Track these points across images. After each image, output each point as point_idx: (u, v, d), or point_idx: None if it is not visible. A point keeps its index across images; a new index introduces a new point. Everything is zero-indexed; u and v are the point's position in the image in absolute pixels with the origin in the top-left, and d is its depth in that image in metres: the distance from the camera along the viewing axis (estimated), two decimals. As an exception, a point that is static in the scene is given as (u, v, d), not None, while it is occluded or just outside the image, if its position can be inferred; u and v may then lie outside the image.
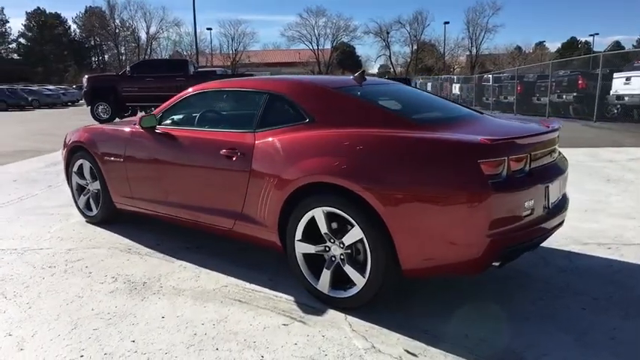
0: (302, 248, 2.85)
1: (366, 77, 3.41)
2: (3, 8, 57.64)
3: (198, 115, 3.60)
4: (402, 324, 2.57)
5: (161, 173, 3.61)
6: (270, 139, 2.98)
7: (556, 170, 2.83)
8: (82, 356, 2.30)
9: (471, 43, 60.96)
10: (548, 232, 2.80)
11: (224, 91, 3.56)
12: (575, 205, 4.85)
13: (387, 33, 62.95)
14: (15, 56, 60.02)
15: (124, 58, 61.85)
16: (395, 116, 2.81)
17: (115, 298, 2.91)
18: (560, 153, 3.18)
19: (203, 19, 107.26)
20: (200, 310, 2.76)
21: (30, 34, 59.59)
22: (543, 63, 24.10)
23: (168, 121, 3.67)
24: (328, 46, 62.50)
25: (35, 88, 33.92)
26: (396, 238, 2.47)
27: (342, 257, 2.70)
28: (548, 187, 2.65)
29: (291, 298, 2.89)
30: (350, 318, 2.65)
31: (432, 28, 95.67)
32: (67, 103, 34.53)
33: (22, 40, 60.08)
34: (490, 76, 26.07)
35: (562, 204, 2.93)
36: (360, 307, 2.69)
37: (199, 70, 17.70)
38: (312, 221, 2.76)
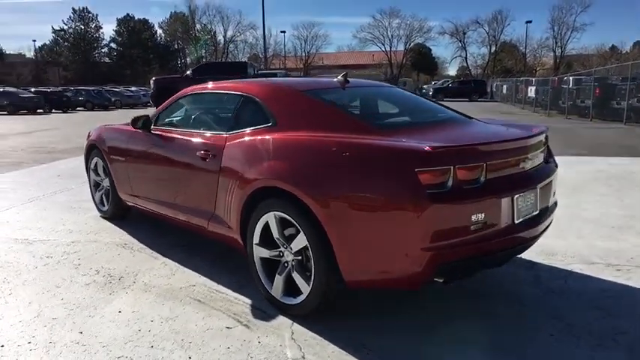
0: (259, 252, 2.84)
1: (349, 80, 3.33)
2: (97, 15, 62.84)
3: (185, 116, 3.71)
4: (343, 336, 2.48)
5: (152, 172, 3.76)
6: (236, 141, 3.00)
7: (530, 180, 2.59)
8: (29, 342, 2.45)
9: (556, 43, 57.37)
10: (517, 247, 2.57)
11: (209, 94, 3.63)
12: (605, 220, 4.43)
13: (464, 33, 60.89)
14: (106, 60, 65.10)
15: (204, 60, 65.09)
16: (355, 121, 2.72)
17: (87, 290, 3.07)
18: (546, 161, 2.92)
19: (278, 22, 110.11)
20: (157, 307, 2.84)
21: (120, 39, 64.34)
22: (623, 64, 22.04)
23: (162, 122, 3.81)
24: (401, 47, 61.58)
25: (118, 89, 36.55)
26: (335, 248, 2.39)
27: (293, 264, 2.66)
28: (515, 198, 2.44)
29: (249, 302, 2.89)
30: (295, 326, 2.61)
31: (513, 27, 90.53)
32: (147, 103, 36.85)
33: (112, 45, 65.08)
34: (570, 78, 24.34)
35: (540, 217, 2.67)
36: (309, 315, 2.63)
37: (260, 72, 18.16)
38: (268, 225, 2.75)
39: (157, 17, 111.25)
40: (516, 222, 2.48)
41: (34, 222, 4.56)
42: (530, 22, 58.79)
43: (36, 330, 2.57)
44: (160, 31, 68.14)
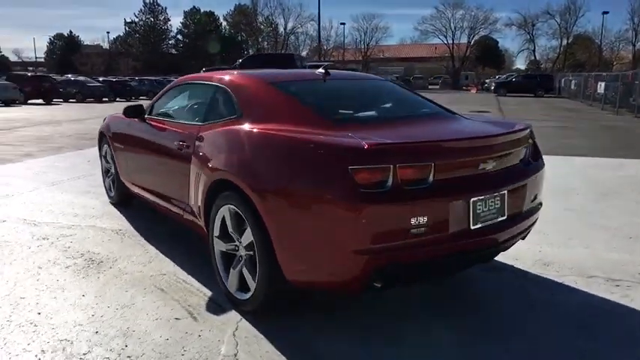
0: (218, 245, 2.83)
1: (330, 72, 3.22)
2: (166, 8, 65.43)
3: (172, 107, 3.75)
4: (287, 336, 2.42)
5: (143, 161, 3.85)
6: (206, 132, 2.99)
7: (494, 183, 2.38)
8: (9, 321, 2.56)
9: (636, 36, 53.09)
10: (475, 255, 2.38)
11: (192, 84, 3.64)
12: (626, 230, 4.04)
13: (533, 25, 57.76)
14: (173, 51, 67.75)
15: (270, 51, 66.14)
16: (310, 114, 2.61)
17: (65, 272, 3.19)
18: (527, 161, 2.68)
19: (338, 14, 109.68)
20: (120, 293, 2.89)
21: (186, 30, 66.70)
22: None
23: (155, 112, 3.87)
24: (465, 40, 59.38)
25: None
26: (275, 245, 2.32)
27: (245, 259, 2.62)
28: (471, 202, 2.25)
29: (210, 295, 2.88)
30: (243, 322, 2.57)
31: (587, 18, 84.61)
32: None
33: (179, 37, 67.58)
34: (646, 73, 22.37)
35: (508, 223, 2.46)
36: (259, 313, 2.59)
37: (308, 64, 18.13)
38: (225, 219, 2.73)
39: (222, 10, 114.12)
40: (473, 228, 2.29)
41: (48, 204, 4.81)
42: (607, 12, 54.63)
43: (1, 307, 2.70)
44: (224, 23, 70.03)
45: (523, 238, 2.93)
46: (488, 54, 61.17)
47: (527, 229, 2.74)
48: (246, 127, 2.67)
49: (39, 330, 2.47)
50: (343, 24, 59.90)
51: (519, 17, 58.07)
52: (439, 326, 2.53)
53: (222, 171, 2.65)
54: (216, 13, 68.46)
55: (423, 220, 2.11)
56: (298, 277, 2.33)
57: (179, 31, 67.31)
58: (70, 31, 72.39)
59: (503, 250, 2.61)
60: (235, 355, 2.28)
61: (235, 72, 3.31)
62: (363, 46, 61.91)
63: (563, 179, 5.80)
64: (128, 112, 3.87)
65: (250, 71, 3.45)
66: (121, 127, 4.26)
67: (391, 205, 2.07)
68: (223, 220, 2.73)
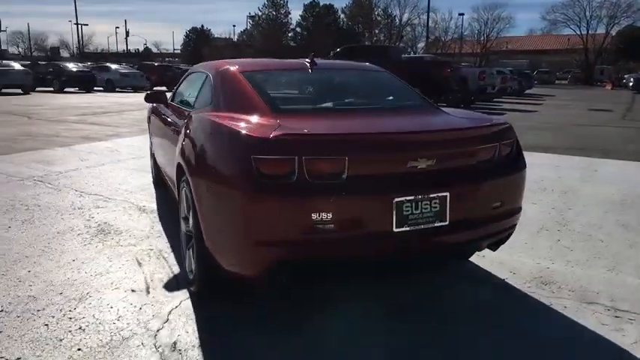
0: (182, 225, 2.95)
1: (316, 62, 3.16)
2: (287, 2, 67.98)
3: (182, 93, 3.95)
4: (218, 323, 2.47)
5: (156, 142, 4.14)
6: (189, 119, 3.12)
7: (429, 183, 2.17)
8: (3, 274, 2.98)
9: None
10: (400, 259, 2.22)
11: (194, 73, 3.80)
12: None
13: (692, 12, 49.74)
14: (292, 43, 70.30)
15: (385, 44, 65.67)
16: (259, 104, 2.58)
17: (74, 239, 3.56)
18: (496, 162, 2.39)
19: (457, 4, 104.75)
20: (103, 261, 3.17)
21: (305, 23, 68.79)
22: None
23: (174, 98, 4.12)
24: (602, 30, 53.19)
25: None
26: (201, 229, 2.37)
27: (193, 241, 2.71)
28: (396, 202, 2.09)
29: (177, 272, 3.03)
30: (186, 302, 2.66)
31: None
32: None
33: (298, 29, 69.92)
34: None
35: (452, 229, 2.23)
36: (200, 295, 2.67)
37: (405, 57, 17.72)
38: (185, 201, 2.84)
39: (340, 3, 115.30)
40: (397, 230, 2.12)
41: (103, 179, 5.37)
42: None
43: (5, 262, 3.11)
44: (342, 16, 70.85)
45: (494, 249, 2.65)
46: (635, 45, 54.01)
47: (489, 238, 2.45)
48: (204, 114, 2.74)
49: (19, 286, 2.81)
50: (462, 14, 57.15)
51: (674, 4, 50.39)
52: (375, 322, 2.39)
53: (179, 155, 2.76)
54: (335, 6, 69.56)
55: (328, 216, 2.01)
56: (224, 265, 2.35)
57: (298, 24, 69.64)
58: (202, 25, 78.75)
59: (458, 257, 2.38)
60: (158, 330, 2.38)
61: (225, 61, 3.39)
62: (482, 38, 58.55)
63: None
64: (149, 97, 4.16)
65: (237, 60, 3.51)
66: (154, 111, 4.60)
67: (293, 198, 2.01)
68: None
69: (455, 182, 2.23)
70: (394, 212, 2.10)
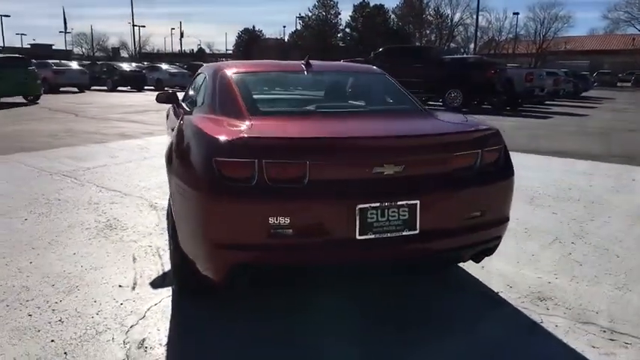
0: (170, 222, 3.00)
1: (311, 64, 3.13)
2: (337, 2, 68.06)
3: (188, 93, 4.02)
4: (192, 318, 2.50)
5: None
6: (180, 119, 3.17)
7: (396, 190, 2.09)
8: (6, 264, 3.14)
9: None
10: (365, 268, 2.15)
11: (200, 74, 3.83)
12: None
13: None
14: (341, 44, 70.33)
15: (437, 44, 64.44)
16: (239, 106, 2.57)
17: (81, 233, 3.71)
18: (467, 170, 2.27)
19: (513, 3, 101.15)
20: (101, 257, 3.27)
21: (354, 24, 68.64)
22: None
23: (184, 99, 4.20)
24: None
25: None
26: (177, 230, 2.40)
27: (177, 238, 2.76)
28: (359, 209, 2.03)
29: (169, 270, 3.08)
30: (167, 299, 2.70)
31: None
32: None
33: (347, 30, 69.85)
34: None
35: (422, 238, 2.14)
36: (180, 291, 2.71)
37: (447, 57, 17.26)
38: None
39: (391, 3, 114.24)
40: (360, 238, 2.06)
41: (126, 175, 5.56)
42: None
43: (11, 253, 3.28)
44: (393, 16, 70.17)
45: (477, 261, 2.53)
46: None
47: (468, 249, 2.34)
48: (191, 115, 2.78)
49: (17, 276, 2.96)
50: (516, 14, 55.08)
51: None
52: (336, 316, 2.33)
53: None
54: (385, 7, 68.99)
55: (286, 220, 1.99)
56: (196, 265, 2.36)
57: (347, 25, 69.57)
58: (253, 26, 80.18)
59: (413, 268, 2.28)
60: (132, 326, 2.44)
61: (224, 62, 3.41)
62: (538, 38, 56.23)
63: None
64: (159, 98, 4.26)
65: (235, 62, 3.53)
66: (169, 111, 4.71)
67: (250, 201, 1.99)
68: (172, 200, 2.90)
69: (426, 190, 2.14)
70: (357, 219, 2.04)
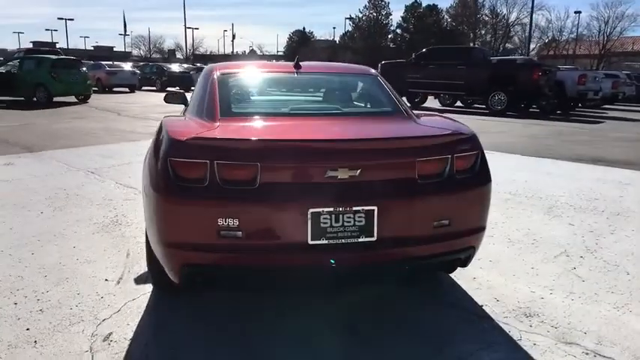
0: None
1: (301, 64, 3.11)
2: (388, 3, 67.44)
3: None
4: (161, 316, 2.55)
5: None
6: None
7: (352, 195, 2.04)
8: (10, 254, 3.34)
9: None
10: (319, 275, 2.10)
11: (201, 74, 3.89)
12: None
13: None
14: (391, 45, 69.63)
15: (492, 45, 62.60)
16: (213, 106, 2.58)
17: (86, 228, 3.87)
18: (434, 176, 2.17)
19: (575, 2, 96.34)
20: (98, 251, 3.40)
21: (405, 25, 67.76)
22: None
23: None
24: None
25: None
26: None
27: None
28: (311, 213, 2.00)
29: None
30: (146, 296, 2.77)
31: None
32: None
33: (398, 31, 69.07)
34: None
35: (378, 246, 2.08)
36: (157, 288, 2.77)
37: (491, 59, 16.64)
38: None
39: (445, 3, 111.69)
40: (312, 243, 2.02)
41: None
42: None
43: (18, 244, 3.47)
44: (447, 16, 68.73)
45: (449, 271, 2.42)
46: None
47: (436, 258, 2.23)
48: (182, 115, 2.83)
49: (16, 266, 3.12)
50: (578, 12, 52.48)
51: None
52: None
53: None
54: (439, 7, 67.70)
55: (235, 222, 1.98)
56: None
57: (398, 25, 68.81)
58: (304, 27, 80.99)
59: (391, 276, 2.21)
60: (104, 320, 2.51)
61: (220, 64, 3.44)
62: (603, 38, 53.26)
63: None
64: (167, 98, 4.36)
65: (228, 63, 3.54)
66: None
67: (200, 202, 2.00)
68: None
69: (385, 196, 2.07)
70: (309, 223, 2.00)
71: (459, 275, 3.04)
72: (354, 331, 2.44)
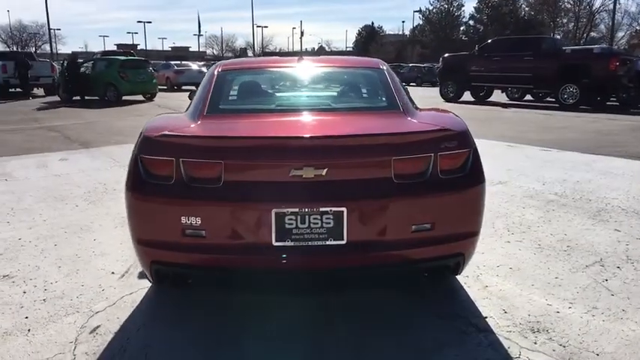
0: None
1: (305, 59, 3.02)
2: (460, -6, 64.97)
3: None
4: (150, 313, 2.58)
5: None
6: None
7: (319, 195, 1.94)
8: (35, 245, 3.56)
9: None
10: (286, 277, 2.02)
11: None
12: None
13: None
14: (463, 37, 67.06)
15: (575, 34, 58.56)
16: (202, 103, 2.55)
17: (112, 221, 4.03)
18: (417, 176, 2.00)
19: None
20: (115, 244, 3.52)
21: (478, 16, 64.92)
22: None
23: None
24: None
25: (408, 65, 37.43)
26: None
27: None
28: (275, 213, 1.92)
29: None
30: (143, 291, 2.81)
31: None
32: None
33: (470, 22, 66.38)
34: None
35: (346, 249, 1.95)
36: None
37: (563, 48, 15.38)
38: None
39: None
40: (277, 244, 1.94)
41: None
42: None
43: (46, 235, 3.68)
44: (523, 4, 65.10)
45: (434, 278, 2.23)
46: None
47: (417, 264, 2.06)
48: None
49: (37, 256, 3.30)
50: (676, -4, 47.37)
51: None
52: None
53: None
54: (516, -5, 64.21)
55: (198, 221, 1.95)
56: None
57: (471, 17, 66.15)
58: (372, 22, 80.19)
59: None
60: (97, 312, 2.58)
61: (225, 61, 3.42)
62: None
63: None
64: (190, 96, 4.41)
65: (233, 60, 3.49)
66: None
67: (164, 200, 1.99)
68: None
69: (356, 196, 1.93)
70: (274, 224, 1.92)
71: (470, 282, 2.82)
72: (336, 330, 2.32)
